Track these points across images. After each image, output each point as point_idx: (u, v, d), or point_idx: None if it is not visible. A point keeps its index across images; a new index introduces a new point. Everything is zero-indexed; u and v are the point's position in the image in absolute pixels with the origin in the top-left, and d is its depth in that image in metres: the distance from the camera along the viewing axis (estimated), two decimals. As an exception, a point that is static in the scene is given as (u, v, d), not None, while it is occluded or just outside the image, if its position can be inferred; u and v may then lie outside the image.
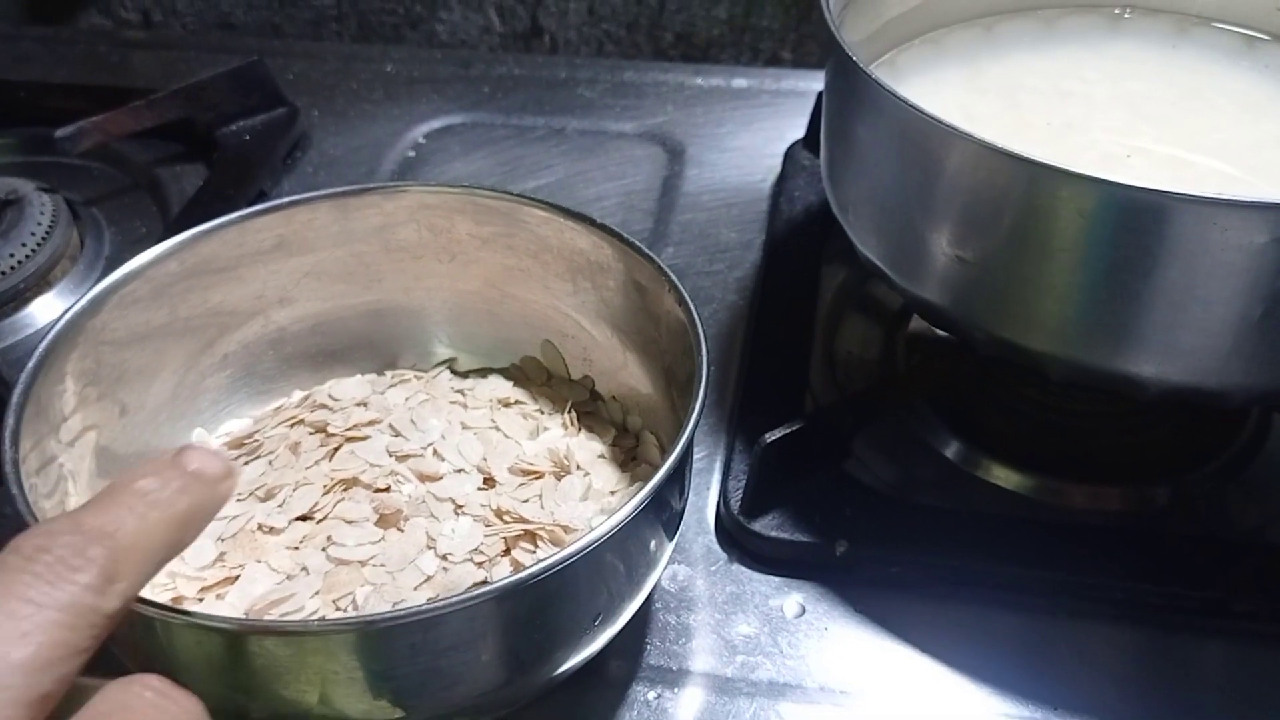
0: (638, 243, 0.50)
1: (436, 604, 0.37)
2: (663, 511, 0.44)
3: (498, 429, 0.53)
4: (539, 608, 0.40)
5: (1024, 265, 0.46)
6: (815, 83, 0.84)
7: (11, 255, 0.68)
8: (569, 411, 0.54)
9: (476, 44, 1.04)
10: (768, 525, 0.52)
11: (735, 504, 0.53)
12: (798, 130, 0.77)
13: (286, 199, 0.53)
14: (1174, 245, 0.42)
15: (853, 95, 0.51)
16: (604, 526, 0.39)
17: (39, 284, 0.68)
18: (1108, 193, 0.43)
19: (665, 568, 0.48)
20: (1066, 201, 0.43)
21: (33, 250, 0.68)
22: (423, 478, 0.50)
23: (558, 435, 0.53)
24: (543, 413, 0.55)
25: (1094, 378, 0.47)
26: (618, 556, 0.42)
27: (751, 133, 0.79)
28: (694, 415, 0.43)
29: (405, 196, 0.55)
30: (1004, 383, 0.59)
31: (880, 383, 0.57)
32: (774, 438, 0.51)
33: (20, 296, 0.68)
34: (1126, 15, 0.67)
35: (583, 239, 0.53)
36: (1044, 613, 0.51)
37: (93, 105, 0.77)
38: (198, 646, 0.38)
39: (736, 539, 0.53)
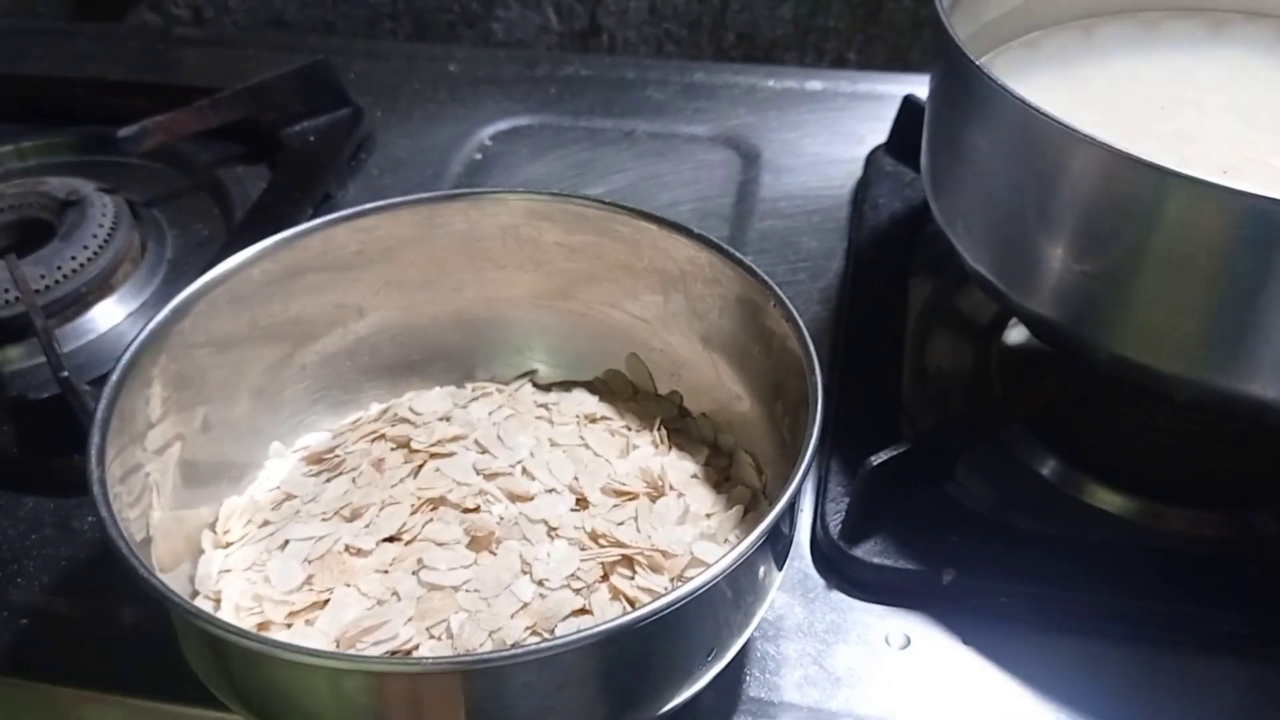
0: (741, 256, 0.48)
1: (553, 643, 0.35)
2: (776, 542, 0.42)
3: (587, 446, 0.51)
4: (654, 644, 0.38)
5: (1154, 281, 0.43)
6: (890, 85, 0.81)
7: (73, 258, 0.66)
8: (658, 429, 0.52)
9: (534, 43, 1.02)
10: (870, 551, 0.50)
11: (835, 528, 0.51)
12: (875, 134, 0.75)
13: (370, 206, 0.52)
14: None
15: (968, 99, 0.48)
16: (723, 562, 0.37)
17: (101, 287, 0.67)
18: (1249, 206, 0.40)
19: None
20: (1203, 214, 0.41)
21: (95, 253, 0.67)
22: (513, 498, 0.48)
23: (649, 454, 0.51)
24: (630, 429, 0.53)
25: (1226, 402, 0.45)
26: (732, 589, 0.40)
27: (828, 137, 0.77)
28: (811, 443, 0.41)
29: (492, 203, 0.53)
30: (1107, 401, 0.56)
31: (985, 404, 0.54)
32: (880, 460, 0.48)
33: (82, 300, 0.66)
34: (1228, 21, 0.65)
35: (679, 250, 0.51)
36: (1154, 645, 0.48)
37: (151, 104, 0.76)
38: (318, 683, 0.36)
39: (836, 565, 0.51)
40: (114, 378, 0.43)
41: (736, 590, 0.41)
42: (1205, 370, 0.44)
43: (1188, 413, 0.53)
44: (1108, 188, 0.42)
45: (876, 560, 0.49)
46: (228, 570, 0.46)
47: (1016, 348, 0.62)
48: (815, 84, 0.82)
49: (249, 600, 0.44)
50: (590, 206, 0.52)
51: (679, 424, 0.53)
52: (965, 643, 0.49)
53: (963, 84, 0.48)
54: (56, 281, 0.65)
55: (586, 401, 0.54)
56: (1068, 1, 0.63)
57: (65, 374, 0.55)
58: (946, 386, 0.60)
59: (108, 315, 0.66)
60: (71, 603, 0.51)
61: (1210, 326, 0.43)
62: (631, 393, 0.55)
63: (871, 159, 0.72)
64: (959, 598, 0.49)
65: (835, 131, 0.77)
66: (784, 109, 0.79)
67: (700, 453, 0.52)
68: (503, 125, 0.79)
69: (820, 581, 0.51)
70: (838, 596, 0.50)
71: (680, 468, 0.51)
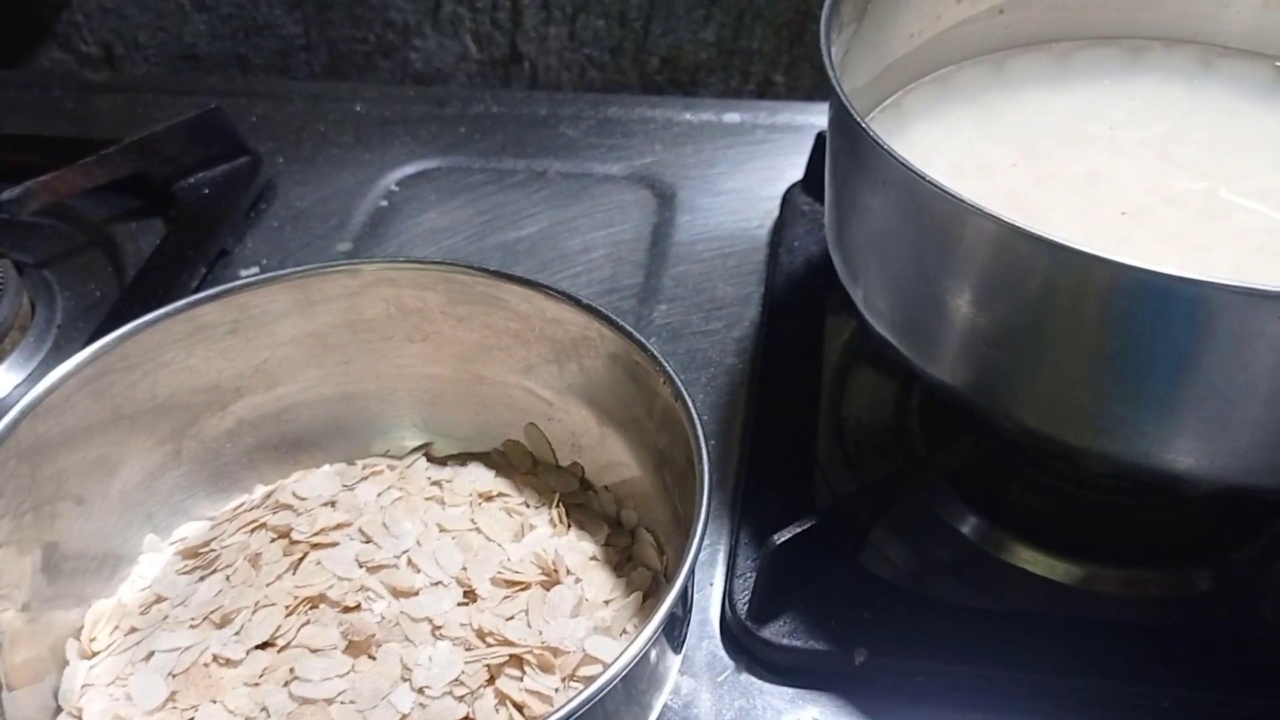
0: (628, 327, 0.46)
1: None
2: (672, 629, 0.40)
3: (479, 530, 0.48)
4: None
5: (1053, 353, 0.41)
6: (812, 116, 0.79)
7: (-45, 328, 0.63)
8: (557, 506, 0.50)
9: (453, 72, 0.99)
10: (779, 632, 0.47)
11: (742, 608, 0.48)
12: (793, 169, 0.73)
13: (240, 282, 0.49)
14: (1227, 337, 0.38)
15: (860, 161, 0.46)
16: (609, 672, 0.35)
17: (-12, 357, 0.63)
18: (1147, 281, 0.38)
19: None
20: (1100, 288, 0.38)
21: (-21, 321, 0.63)
22: (396, 593, 0.45)
23: (545, 535, 0.49)
24: (529, 506, 0.50)
25: (1139, 473, 0.43)
26: (627, 687, 0.38)
27: (746, 173, 0.74)
28: (699, 528, 0.39)
29: (371, 274, 0.50)
30: (1030, 458, 0.54)
31: (899, 468, 0.52)
32: (784, 538, 0.46)
33: (-33, 373, 0.63)
34: (1146, 49, 0.62)
35: (568, 317, 0.48)
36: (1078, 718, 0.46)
37: (45, 158, 0.72)
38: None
39: (745, 646, 0.48)
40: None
41: (632, 688, 0.39)
42: (1114, 443, 0.42)
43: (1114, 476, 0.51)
44: (998, 259, 0.40)
45: (785, 641, 0.47)
46: (90, 685, 0.43)
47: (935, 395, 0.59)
48: (734, 116, 0.79)
49: (108, 719, 0.41)
50: (476, 276, 0.49)
51: (580, 499, 0.51)
52: (879, 727, 0.46)
53: (853, 145, 0.46)
54: (-63, 354, 0.62)
55: (482, 477, 0.51)
56: (978, 35, 0.61)
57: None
58: (864, 439, 0.58)
59: (-5, 386, 0.63)
60: None
61: (1114, 399, 0.41)
62: (531, 465, 0.53)
63: (787, 198, 0.69)
64: (872, 678, 0.47)
65: (753, 168, 0.75)
66: (701, 143, 0.77)
67: (601, 531, 0.49)
68: (409, 169, 0.76)
69: (730, 664, 0.49)
70: (747, 679, 0.48)
71: (579, 549, 0.48)
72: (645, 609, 0.46)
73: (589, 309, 0.47)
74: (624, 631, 0.45)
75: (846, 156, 0.47)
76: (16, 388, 0.64)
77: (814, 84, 0.94)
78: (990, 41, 0.61)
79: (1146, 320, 0.39)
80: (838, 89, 0.43)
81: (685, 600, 0.42)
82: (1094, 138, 0.56)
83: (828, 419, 0.58)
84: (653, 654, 0.39)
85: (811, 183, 0.69)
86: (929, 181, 0.39)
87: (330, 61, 1.00)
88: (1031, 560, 0.53)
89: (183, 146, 0.71)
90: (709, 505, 0.40)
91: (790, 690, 0.48)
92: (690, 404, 0.43)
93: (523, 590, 0.45)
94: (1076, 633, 0.48)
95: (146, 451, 0.49)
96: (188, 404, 0.49)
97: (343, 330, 0.51)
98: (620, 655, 0.36)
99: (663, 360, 0.44)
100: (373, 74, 1.00)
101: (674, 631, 0.41)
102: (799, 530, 0.46)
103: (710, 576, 0.52)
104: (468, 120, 0.80)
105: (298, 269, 0.49)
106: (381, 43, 0.98)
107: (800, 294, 0.63)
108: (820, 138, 0.68)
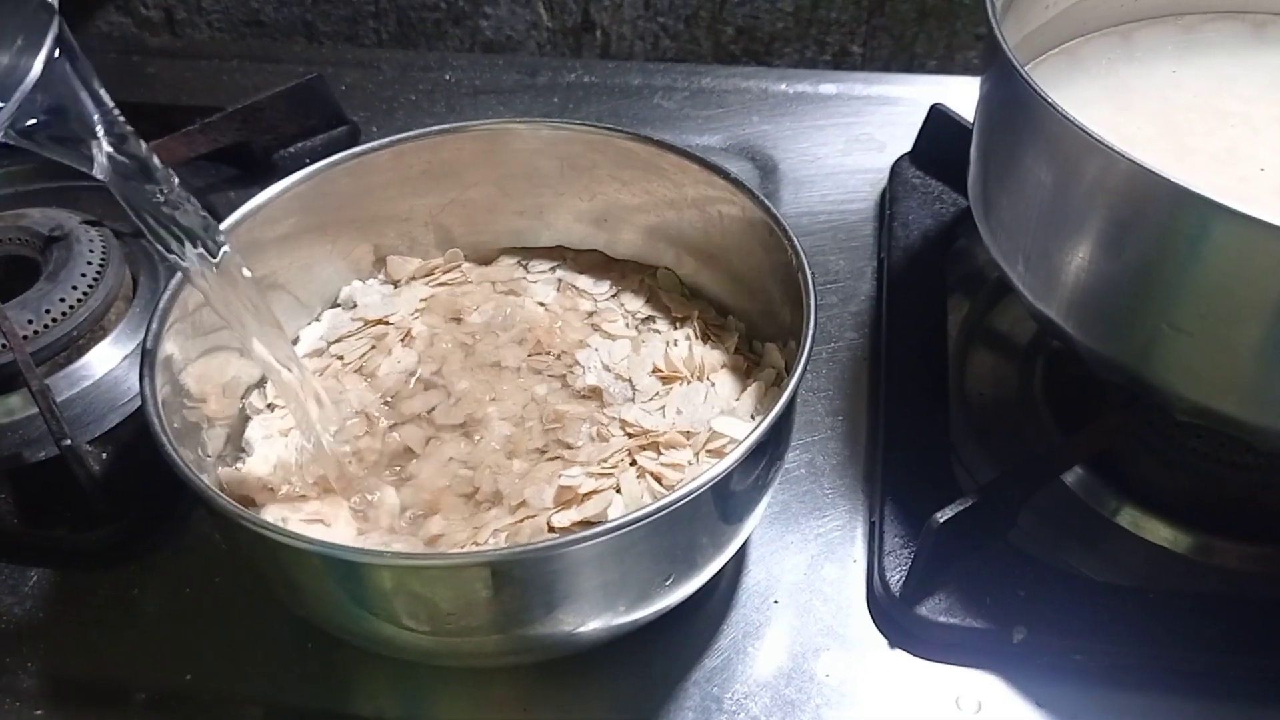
0: (764, 199, 0.50)
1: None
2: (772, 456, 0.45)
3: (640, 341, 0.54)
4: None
5: (1247, 334, 0.41)
6: (904, 87, 0.78)
7: (62, 300, 0.62)
8: (698, 320, 0.55)
9: (524, 40, 0.98)
10: (936, 609, 0.47)
11: (896, 585, 0.48)
12: (894, 141, 0.72)
13: (434, 128, 0.55)
14: None
15: (1030, 134, 0.45)
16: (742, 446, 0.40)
17: (93, 330, 0.62)
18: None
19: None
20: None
21: (85, 293, 0.62)
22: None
23: (685, 345, 0.53)
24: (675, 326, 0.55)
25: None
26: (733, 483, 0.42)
27: (846, 145, 0.74)
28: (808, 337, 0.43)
29: (548, 134, 0.55)
30: (1170, 436, 0.54)
31: (1050, 445, 0.52)
32: (946, 517, 0.46)
33: (74, 345, 0.62)
34: (1270, 23, 0.62)
35: (717, 185, 0.52)
36: (1231, 699, 0.47)
37: (133, 124, 0.71)
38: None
39: (898, 623, 0.48)
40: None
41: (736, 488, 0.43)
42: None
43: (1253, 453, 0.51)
44: (1193, 236, 0.40)
45: (943, 619, 0.47)
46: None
47: (1056, 371, 0.59)
48: (829, 87, 0.78)
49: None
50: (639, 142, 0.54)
51: (717, 321, 0.56)
52: (1039, 705, 0.46)
53: (1025, 117, 0.45)
54: (46, 326, 0.61)
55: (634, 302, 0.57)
56: (1107, 7, 0.60)
57: (68, 442, 0.52)
58: (990, 415, 0.58)
59: (102, 360, 0.62)
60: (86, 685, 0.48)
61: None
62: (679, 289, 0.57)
63: (896, 170, 0.69)
64: (1030, 656, 0.47)
65: (853, 139, 0.74)
66: (798, 115, 0.76)
67: (731, 341, 0.54)
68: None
69: (881, 640, 0.49)
70: (901, 656, 0.48)
71: (713, 356, 0.53)
72: (766, 400, 0.50)
73: (735, 181, 0.51)
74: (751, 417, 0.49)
75: (1009, 130, 0.47)
76: (124, 360, 0.63)
77: (891, 54, 0.94)
78: (1119, 13, 0.60)
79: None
80: (1016, 66, 0.43)
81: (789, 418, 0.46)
82: (1228, 113, 0.56)
83: (954, 394, 0.58)
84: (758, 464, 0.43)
85: (921, 156, 0.68)
86: (1129, 159, 0.39)
87: (399, 29, 0.99)
88: (1166, 536, 0.53)
89: (284, 115, 0.70)
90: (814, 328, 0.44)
91: (946, 668, 0.48)
92: (807, 267, 0.46)
93: (670, 383, 0.51)
94: (1216, 611, 0.48)
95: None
96: (382, 229, 0.57)
97: (520, 181, 0.57)
98: (752, 431, 0.40)
99: (790, 231, 0.48)
100: (441, 41, 0.99)
101: (772, 457, 0.45)
102: (960, 509, 0.46)
103: (850, 553, 0.52)
104: (560, 90, 0.79)
105: (485, 121, 0.55)
106: (452, 10, 0.97)
107: (918, 269, 0.63)
108: (935, 111, 0.67)
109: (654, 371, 0.52)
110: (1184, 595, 0.49)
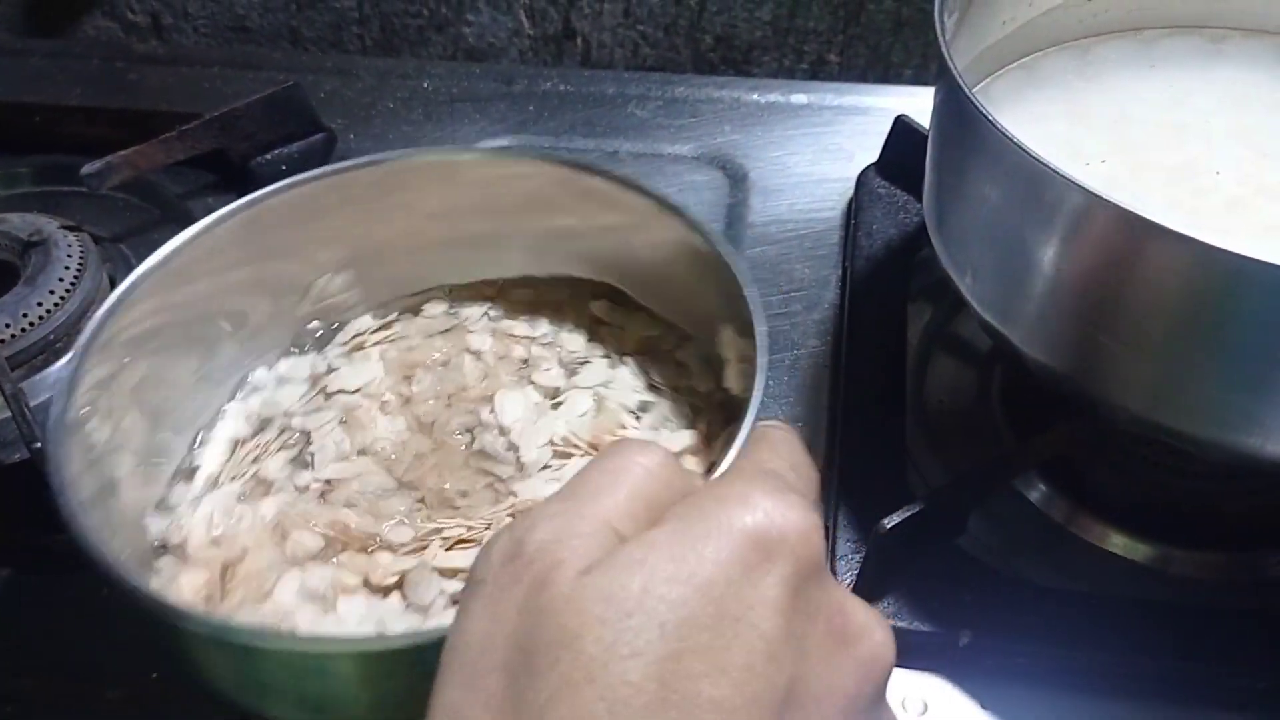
0: (721, 242, 0.50)
1: None
2: None
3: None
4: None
5: (1184, 348, 0.42)
6: (876, 98, 0.79)
7: (39, 304, 0.63)
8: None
9: (505, 47, 0.99)
10: (884, 613, 0.48)
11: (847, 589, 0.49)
12: (863, 150, 0.73)
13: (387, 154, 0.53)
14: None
15: (976, 151, 0.46)
16: None
17: (70, 334, 0.63)
18: (1262, 272, 0.39)
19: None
20: (1241, 285, 0.39)
21: (62, 297, 0.64)
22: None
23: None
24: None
25: (1260, 463, 0.44)
26: None
27: (815, 155, 0.75)
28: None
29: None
30: (1120, 445, 0.55)
31: (998, 454, 0.53)
32: (893, 523, 0.47)
33: (50, 349, 0.63)
34: (1226, 38, 0.63)
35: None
36: (1175, 704, 0.48)
37: (114, 131, 0.73)
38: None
39: (848, 627, 0.49)
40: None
41: None
42: (1230, 433, 0.43)
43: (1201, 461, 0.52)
44: (1127, 254, 0.41)
45: (891, 623, 0.48)
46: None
47: (1016, 381, 0.60)
48: (800, 97, 0.79)
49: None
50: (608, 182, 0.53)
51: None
52: (984, 707, 0.47)
53: (971, 134, 0.46)
54: (23, 330, 0.62)
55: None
56: (1066, 23, 0.61)
57: (38, 445, 0.53)
58: (949, 425, 0.59)
59: (78, 364, 0.63)
60: (55, 685, 0.49)
61: (1232, 389, 0.42)
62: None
63: (862, 180, 0.70)
64: (976, 659, 0.48)
65: (823, 149, 0.75)
66: (769, 125, 0.77)
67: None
68: (481, 147, 0.76)
69: (831, 643, 0.50)
70: (850, 659, 0.49)
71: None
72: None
73: (676, 210, 0.52)
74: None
75: (958, 145, 0.48)
76: (100, 363, 0.64)
77: (868, 64, 0.95)
78: (1076, 28, 0.61)
79: (1266, 311, 0.39)
80: (961, 85, 0.44)
81: None
82: (1184, 126, 0.57)
83: (912, 402, 0.59)
84: None
85: (887, 166, 0.69)
86: (1063, 176, 0.40)
87: (383, 35, 1.00)
88: (1118, 544, 0.54)
89: (260, 123, 0.71)
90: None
91: (895, 671, 0.48)
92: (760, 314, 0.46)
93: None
94: (1164, 616, 0.49)
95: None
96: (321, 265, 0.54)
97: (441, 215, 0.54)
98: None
99: (736, 264, 0.48)
100: (425, 48, 1.00)
101: None
102: (907, 515, 0.47)
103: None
104: (535, 99, 0.80)
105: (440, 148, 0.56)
106: (435, 17, 0.98)
107: (881, 278, 0.64)
108: (900, 122, 0.68)
109: (548, 443, 0.48)
110: (1130, 600, 0.50)
